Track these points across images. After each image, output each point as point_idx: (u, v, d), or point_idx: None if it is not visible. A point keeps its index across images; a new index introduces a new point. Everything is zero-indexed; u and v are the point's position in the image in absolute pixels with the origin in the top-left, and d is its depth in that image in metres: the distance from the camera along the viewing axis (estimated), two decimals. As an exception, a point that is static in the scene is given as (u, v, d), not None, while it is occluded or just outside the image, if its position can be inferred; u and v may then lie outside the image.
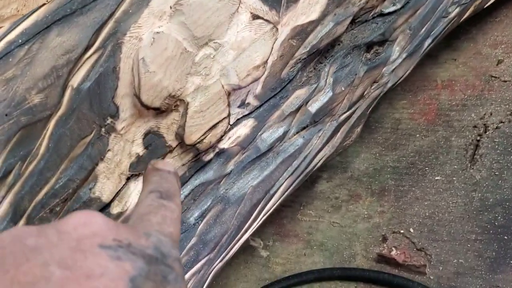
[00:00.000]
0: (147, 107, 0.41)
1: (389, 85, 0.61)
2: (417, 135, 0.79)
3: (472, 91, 0.80)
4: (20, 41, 0.36)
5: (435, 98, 0.83)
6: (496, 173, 0.69)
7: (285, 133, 0.53)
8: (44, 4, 0.38)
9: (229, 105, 0.46)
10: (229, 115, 0.47)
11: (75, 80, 0.38)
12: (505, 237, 0.63)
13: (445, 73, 0.86)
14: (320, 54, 0.53)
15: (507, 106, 0.75)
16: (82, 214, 0.25)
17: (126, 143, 0.42)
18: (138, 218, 0.30)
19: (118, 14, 0.39)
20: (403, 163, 0.77)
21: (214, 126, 0.46)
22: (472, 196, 0.69)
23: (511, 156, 0.69)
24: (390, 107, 0.85)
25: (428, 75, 0.87)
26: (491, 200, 0.67)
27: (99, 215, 0.25)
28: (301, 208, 0.78)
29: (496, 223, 0.65)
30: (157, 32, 0.40)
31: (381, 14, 0.56)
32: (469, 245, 0.64)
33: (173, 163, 0.41)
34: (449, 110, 0.80)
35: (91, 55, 0.39)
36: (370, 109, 0.62)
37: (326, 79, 0.54)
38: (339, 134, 0.58)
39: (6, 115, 0.36)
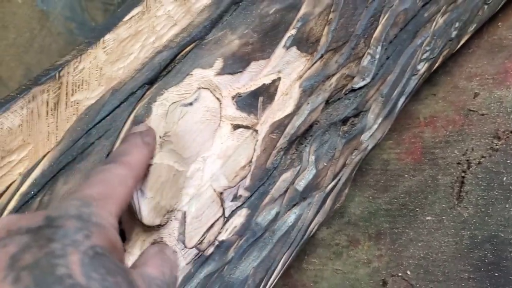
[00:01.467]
0: (149, 226, 0.47)
1: (369, 148, 0.66)
2: (406, 175, 0.84)
3: (453, 126, 0.85)
4: (32, 192, 0.42)
5: (419, 136, 0.87)
6: (482, 210, 0.74)
7: (277, 214, 0.58)
8: (48, 153, 0.44)
9: (222, 203, 0.52)
10: (223, 212, 0.52)
11: (84, 218, 0.44)
12: (496, 274, 0.67)
13: (426, 110, 0.91)
14: (300, 136, 0.58)
15: (486, 141, 0.80)
16: None
17: (134, 256, 0.48)
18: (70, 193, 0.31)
19: (113, 151, 0.45)
20: (395, 205, 0.82)
21: (212, 226, 0.51)
22: (462, 234, 0.73)
23: (494, 191, 0.74)
24: (378, 148, 0.90)
25: (411, 112, 0.92)
26: (479, 237, 0.72)
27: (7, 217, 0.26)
28: (306, 257, 0.83)
29: (486, 260, 0.69)
30: (151, 165, 0.45)
31: (353, 90, 0.61)
32: (463, 284, 0.69)
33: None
34: (433, 147, 0.85)
35: (95, 193, 0.44)
36: (354, 171, 0.67)
37: (308, 158, 0.59)
38: (328, 201, 0.63)
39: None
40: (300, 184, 0.59)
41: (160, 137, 0.46)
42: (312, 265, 0.81)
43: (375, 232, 0.81)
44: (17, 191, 0.42)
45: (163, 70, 0.47)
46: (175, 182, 0.47)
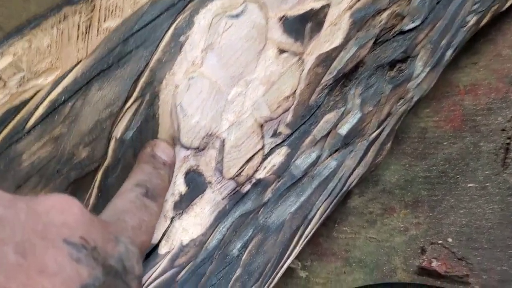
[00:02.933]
0: (187, 148, 0.43)
1: (415, 99, 0.61)
2: (445, 143, 0.79)
3: (496, 94, 0.80)
4: (63, 98, 0.38)
5: (459, 104, 0.82)
6: (531, 176, 0.69)
7: (318, 158, 0.54)
8: (80, 61, 0.40)
9: (262, 136, 0.48)
10: (263, 146, 0.48)
11: (118, 131, 0.40)
12: (547, 241, 0.62)
13: (467, 78, 0.86)
14: (345, 77, 0.54)
15: (534, 107, 0.75)
16: (61, 198, 0.23)
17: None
18: (115, 214, 0.29)
19: (152, 63, 0.41)
20: (434, 173, 0.77)
21: (250, 158, 0.47)
22: (508, 201, 0.68)
23: (544, 157, 0.69)
24: (414, 116, 0.85)
25: (450, 80, 0.87)
26: (528, 203, 0.67)
27: (78, 204, 0.23)
28: (336, 225, 0.78)
29: (536, 227, 0.64)
30: (192, 78, 0.41)
31: (402, 32, 0.57)
32: (510, 251, 0.64)
33: (172, 152, 0.41)
34: (474, 115, 0.80)
35: (130, 105, 0.40)
36: (398, 124, 0.63)
37: (353, 101, 0.55)
38: (370, 152, 0.59)
39: (57, 171, 0.37)
40: (344, 128, 0.55)
41: (201, 51, 0.42)
42: (343, 234, 0.76)
43: (412, 200, 0.76)
44: (47, 97, 0.38)
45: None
46: (215, 103, 0.43)
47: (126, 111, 0.40)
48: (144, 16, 0.41)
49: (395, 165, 0.81)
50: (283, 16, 0.47)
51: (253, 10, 0.44)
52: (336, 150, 0.55)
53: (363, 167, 0.59)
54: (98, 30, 0.40)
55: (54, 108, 0.38)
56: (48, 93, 0.38)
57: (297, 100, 0.50)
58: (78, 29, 0.39)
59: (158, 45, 0.41)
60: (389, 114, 0.59)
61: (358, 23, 0.52)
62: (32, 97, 0.38)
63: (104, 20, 0.41)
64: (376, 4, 0.53)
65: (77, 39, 0.39)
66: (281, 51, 0.47)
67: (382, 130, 0.59)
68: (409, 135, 0.83)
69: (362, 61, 0.55)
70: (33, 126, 0.37)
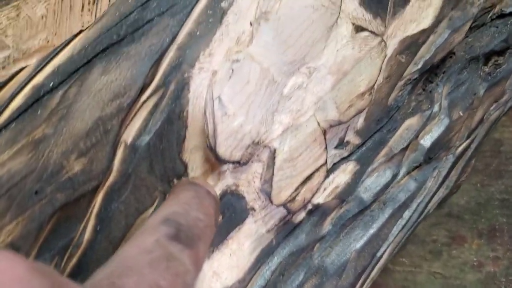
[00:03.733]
0: (224, 161, 0.30)
1: (510, 103, 0.48)
2: (527, 159, 0.65)
3: None
4: (51, 84, 0.26)
5: (544, 112, 0.68)
6: None
7: (393, 177, 0.40)
8: (81, 32, 0.28)
9: (326, 147, 0.35)
10: (326, 161, 0.35)
11: (129, 134, 0.27)
12: None
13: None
14: (431, 71, 0.41)
15: None
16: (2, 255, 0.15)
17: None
18: (114, 273, 0.18)
19: (181, 37, 0.28)
20: (514, 195, 0.63)
21: (309, 177, 0.34)
22: None
23: None
24: (485, 125, 0.71)
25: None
26: None
27: (24, 265, 0.15)
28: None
29: None
30: (237, 60, 0.29)
31: (502, 15, 0.43)
32: None
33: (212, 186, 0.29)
34: None
35: (148, 98, 0.28)
36: (488, 135, 0.49)
37: (441, 103, 0.41)
38: (454, 170, 0.45)
39: (36, 192, 0.25)
40: (427, 138, 0.41)
41: (251, 24, 0.30)
42: (400, 266, 0.63)
43: (487, 228, 0.62)
44: (29, 82, 0.26)
45: None
46: (267, 99, 0.31)
47: (141, 106, 0.28)
48: None
49: (464, 184, 0.67)
50: (361, -18, 0.34)
51: (326, -33, 0.31)
52: (416, 167, 0.42)
53: (444, 190, 0.46)
54: (110, 0, 0.28)
55: (37, 98, 0.26)
56: (31, 76, 0.26)
57: (372, 101, 0.37)
58: None
59: (190, 12, 0.29)
60: (481, 121, 0.45)
61: (453, 0, 0.39)
62: (8, 82, 0.26)
63: None
64: (477, -26, 0.39)
65: (82, 8, 0.28)
66: (359, 28, 0.34)
67: (472, 142, 0.46)
68: (481, 148, 0.69)
69: (452, 50, 0.42)
70: (5, 125, 0.25)
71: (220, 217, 0.32)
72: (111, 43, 0.27)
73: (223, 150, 0.29)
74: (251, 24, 0.30)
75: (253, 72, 0.29)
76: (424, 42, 0.38)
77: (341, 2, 0.32)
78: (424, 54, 0.39)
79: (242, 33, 0.30)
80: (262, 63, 0.30)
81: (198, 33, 0.29)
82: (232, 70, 0.28)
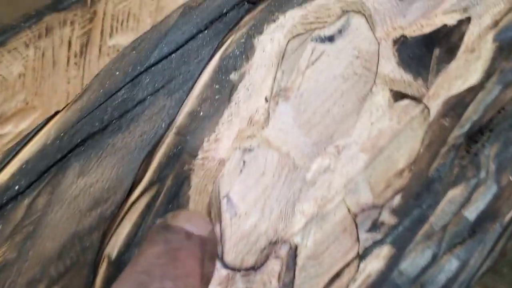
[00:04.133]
0: (234, 270, 0.24)
1: None
2: None
3: None
4: (17, 187, 0.21)
5: None
6: None
7: (434, 257, 0.34)
8: (56, 113, 0.22)
9: (358, 238, 0.29)
10: (358, 253, 0.29)
11: (114, 247, 0.22)
12: None
13: None
14: (478, 130, 0.35)
15: None
16: None
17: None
18: None
19: (181, 120, 0.23)
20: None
21: (338, 274, 0.28)
22: None
23: None
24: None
25: None
26: None
27: None
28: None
29: None
30: (249, 150, 0.23)
31: (558, 60, 0.37)
32: None
33: (209, 226, 0.23)
34: None
35: (139, 198, 0.22)
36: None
37: (488, 167, 0.35)
38: (501, 241, 0.39)
39: None
40: (473, 210, 0.35)
41: (266, 100, 0.24)
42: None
43: (530, 286, 0.55)
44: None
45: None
46: (287, 188, 0.25)
47: (129, 208, 0.22)
48: (169, 35, 0.24)
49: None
50: (400, 37, 0.28)
51: (359, 26, 0.25)
52: (458, 243, 0.36)
53: (488, 263, 0.39)
54: (100, 49, 0.23)
55: (-2, 206, 0.20)
56: (-6, 172, 0.21)
57: (413, 168, 0.31)
58: (69, 48, 0.24)
59: (191, 87, 0.23)
60: (532, 183, 0.39)
61: (506, 48, 0.33)
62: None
63: (111, 35, 0.24)
64: (534, 18, 0.33)
65: (68, 63, 0.23)
66: (398, 95, 0.28)
67: (522, 207, 0.39)
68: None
69: (503, 104, 0.36)
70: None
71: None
72: (92, 132, 0.22)
73: (232, 257, 0.24)
74: (266, 100, 0.24)
75: (270, 161, 0.24)
76: (471, 101, 0.32)
77: (377, 66, 0.26)
78: (471, 114, 0.33)
79: (256, 111, 0.24)
80: (281, 148, 0.24)
81: (201, 113, 0.23)
82: (244, 162, 0.23)
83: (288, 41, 0.24)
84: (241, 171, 0.23)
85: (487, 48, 0.32)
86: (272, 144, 0.24)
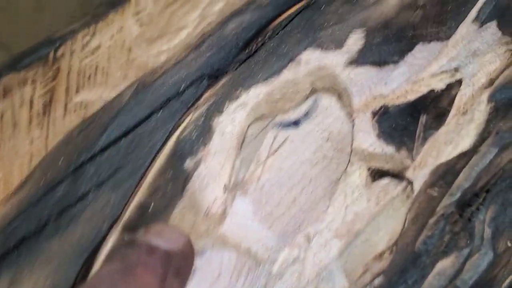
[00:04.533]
0: None
1: None
2: None
3: None
4: None
5: None
6: None
7: (420, 335, 0.31)
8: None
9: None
10: None
11: None
12: None
13: None
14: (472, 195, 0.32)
15: None
16: None
17: None
18: None
19: (127, 216, 0.21)
20: None
21: None
22: None
23: None
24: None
25: None
26: None
27: None
28: None
29: None
30: (202, 252, 0.20)
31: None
32: None
33: (182, 238, 0.21)
34: None
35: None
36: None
37: (483, 233, 0.32)
38: (498, 306, 0.36)
39: None
40: (465, 280, 0.32)
41: (224, 191, 0.21)
42: None
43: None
44: None
45: (241, 50, 0.23)
46: (250, 287, 0.22)
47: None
48: (122, 114, 0.22)
49: None
50: (381, 108, 0.25)
51: (329, 105, 0.22)
52: (450, 316, 0.33)
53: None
54: (66, 107, 0.22)
55: None
56: None
57: (395, 248, 0.28)
58: (31, 108, 0.21)
59: (141, 177, 0.21)
60: (533, 245, 0.36)
61: (503, 108, 0.30)
62: None
63: (77, 91, 0.22)
64: (534, 75, 0.30)
65: (30, 123, 0.21)
66: (376, 173, 0.25)
67: (521, 271, 0.36)
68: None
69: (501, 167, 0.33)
70: None
71: None
72: (27, 234, 0.19)
73: None
74: (225, 188, 0.21)
75: (227, 261, 0.21)
76: (462, 168, 0.30)
77: (351, 146, 0.23)
78: (462, 182, 0.30)
79: (213, 202, 0.21)
80: (240, 244, 0.22)
81: (152, 206, 0.21)
82: (196, 267, 0.20)
83: (250, 124, 0.22)
84: (193, 273, 0.20)
85: (481, 109, 0.29)
86: (230, 241, 0.21)
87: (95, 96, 0.23)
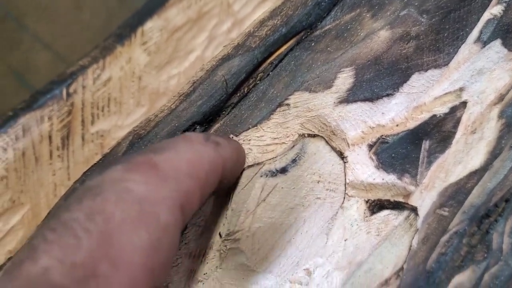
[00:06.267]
0: None
1: None
2: None
3: None
4: None
5: None
6: None
7: None
8: None
9: None
10: None
11: None
12: None
13: None
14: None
15: None
16: None
17: None
18: (149, 150, 0.17)
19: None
20: None
21: None
22: None
23: None
24: None
25: None
26: None
27: None
28: None
29: None
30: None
31: None
32: None
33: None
34: None
35: None
36: None
37: (502, 245, 0.32)
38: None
39: None
40: (485, 292, 0.32)
41: (220, 235, 0.23)
42: None
43: None
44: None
45: (232, 95, 0.24)
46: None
47: None
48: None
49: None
50: (378, 139, 0.25)
51: (317, 150, 0.23)
52: (470, 328, 0.33)
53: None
54: (83, 137, 0.23)
55: None
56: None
57: (405, 267, 0.28)
58: (50, 143, 0.24)
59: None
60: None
61: (516, 121, 0.29)
62: None
63: (92, 122, 0.24)
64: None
65: (51, 157, 0.23)
66: (375, 206, 0.25)
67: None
68: None
69: (519, 176, 0.31)
70: None
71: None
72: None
73: None
74: (220, 236, 0.23)
75: (226, 303, 0.22)
76: (474, 186, 0.29)
77: (345, 184, 0.24)
78: (474, 200, 0.29)
79: (210, 249, 0.23)
80: (236, 284, 0.23)
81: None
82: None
83: (242, 171, 0.23)
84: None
85: (491, 126, 0.28)
86: (226, 282, 0.22)
87: (110, 125, 0.24)
